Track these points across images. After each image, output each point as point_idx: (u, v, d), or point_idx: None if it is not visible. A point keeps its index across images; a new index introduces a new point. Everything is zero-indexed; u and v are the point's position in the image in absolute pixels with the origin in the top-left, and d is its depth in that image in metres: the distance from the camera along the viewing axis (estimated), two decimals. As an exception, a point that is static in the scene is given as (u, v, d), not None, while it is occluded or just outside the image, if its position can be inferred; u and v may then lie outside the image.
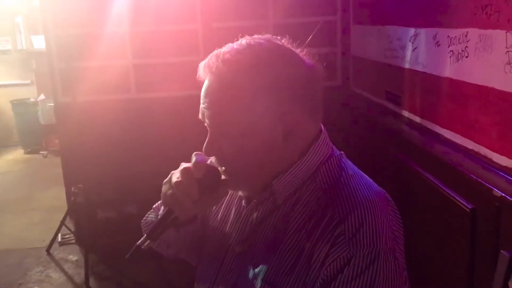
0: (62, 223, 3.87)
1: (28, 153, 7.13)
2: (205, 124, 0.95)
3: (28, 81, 7.40)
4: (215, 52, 0.93)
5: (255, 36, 0.95)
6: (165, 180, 0.98)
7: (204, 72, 0.93)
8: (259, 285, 0.92)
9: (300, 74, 0.92)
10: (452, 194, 1.85)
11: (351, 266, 0.83)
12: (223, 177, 0.96)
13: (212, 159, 0.98)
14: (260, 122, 0.90)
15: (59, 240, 4.01)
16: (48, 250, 3.92)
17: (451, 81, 1.89)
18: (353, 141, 3.13)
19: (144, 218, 1.13)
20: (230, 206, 1.09)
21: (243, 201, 1.04)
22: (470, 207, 1.73)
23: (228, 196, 1.09)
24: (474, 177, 1.69)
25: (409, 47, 2.31)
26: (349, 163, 0.99)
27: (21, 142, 7.26)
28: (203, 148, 0.95)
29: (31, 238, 4.22)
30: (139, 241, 0.93)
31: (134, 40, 3.53)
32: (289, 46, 0.95)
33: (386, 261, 0.85)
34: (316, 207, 0.91)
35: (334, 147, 1.01)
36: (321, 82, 0.96)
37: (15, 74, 7.46)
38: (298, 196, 0.94)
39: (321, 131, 0.99)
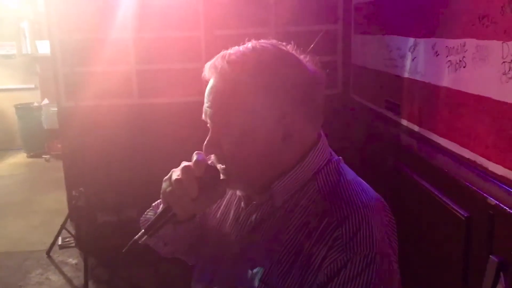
0: (63, 226, 3.89)
1: (31, 157, 7.16)
2: (207, 124, 0.98)
3: (32, 86, 7.45)
4: (221, 53, 0.96)
5: (261, 40, 0.98)
6: (165, 177, 1.00)
7: (210, 72, 0.96)
8: (256, 285, 0.94)
9: (302, 79, 0.95)
10: (448, 202, 1.87)
11: (348, 269, 0.85)
12: (222, 176, 0.98)
13: (212, 158, 1.00)
14: (259, 123, 0.93)
15: (59, 243, 4.03)
16: (48, 253, 3.94)
17: (449, 90, 1.91)
18: (352, 148, 3.15)
19: (143, 215, 1.15)
20: (229, 207, 1.11)
21: (242, 203, 1.06)
22: (465, 215, 1.74)
23: (227, 197, 1.12)
24: (470, 185, 1.71)
25: (409, 57, 2.33)
26: (347, 168, 1.01)
27: (24, 146, 7.29)
28: (204, 145, 0.97)
29: (32, 240, 4.24)
30: (136, 236, 0.95)
31: (137, 46, 3.57)
32: (293, 52, 0.98)
33: (382, 265, 0.87)
34: (314, 211, 0.93)
35: (333, 152, 1.03)
36: (322, 88, 0.99)
37: (20, 78, 7.51)
38: (296, 199, 0.96)
39: (320, 136, 1.01)
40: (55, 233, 3.95)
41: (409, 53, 2.32)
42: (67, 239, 4.04)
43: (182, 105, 3.42)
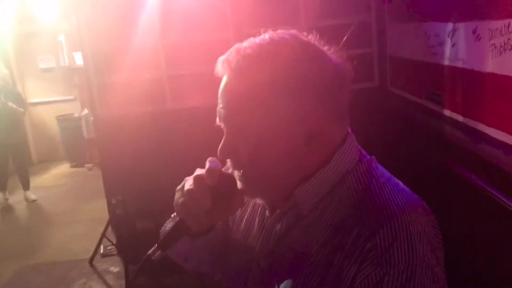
0: (103, 235, 3.92)
1: (74, 166, 7.33)
2: (222, 126, 0.88)
3: (71, 97, 7.63)
4: (235, 46, 0.86)
5: (279, 30, 0.87)
6: (178, 187, 0.91)
7: (223, 68, 0.85)
8: None
9: (326, 73, 0.83)
10: (501, 198, 1.72)
11: (385, 284, 0.74)
12: (239, 184, 0.89)
13: (228, 164, 0.91)
14: (280, 124, 0.82)
15: (101, 252, 4.06)
16: (90, 261, 3.98)
17: (494, 76, 1.77)
18: (392, 144, 3.00)
19: (162, 228, 1.06)
20: (253, 216, 1.01)
21: (267, 211, 0.96)
22: (520, 211, 1.60)
23: (250, 206, 1.02)
24: (524, 178, 1.57)
25: (448, 43, 2.19)
26: (381, 169, 0.90)
27: (67, 156, 7.48)
28: (218, 150, 0.88)
29: (76, 249, 4.32)
30: (149, 251, 0.88)
31: (167, 52, 3.54)
32: (315, 43, 0.87)
33: (424, 278, 0.75)
34: (344, 219, 0.82)
35: (364, 152, 0.91)
36: (349, 83, 0.87)
37: (60, 90, 7.71)
38: (323, 206, 0.85)
39: (347, 135, 0.90)
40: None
41: (448, 39, 2.17)
42: (109, 248, 4.07)
43: (216, 107, 3.36)
